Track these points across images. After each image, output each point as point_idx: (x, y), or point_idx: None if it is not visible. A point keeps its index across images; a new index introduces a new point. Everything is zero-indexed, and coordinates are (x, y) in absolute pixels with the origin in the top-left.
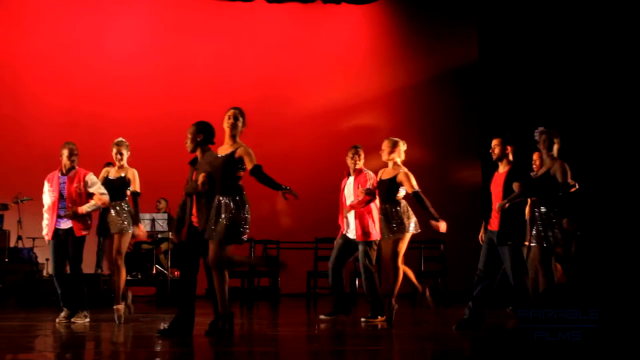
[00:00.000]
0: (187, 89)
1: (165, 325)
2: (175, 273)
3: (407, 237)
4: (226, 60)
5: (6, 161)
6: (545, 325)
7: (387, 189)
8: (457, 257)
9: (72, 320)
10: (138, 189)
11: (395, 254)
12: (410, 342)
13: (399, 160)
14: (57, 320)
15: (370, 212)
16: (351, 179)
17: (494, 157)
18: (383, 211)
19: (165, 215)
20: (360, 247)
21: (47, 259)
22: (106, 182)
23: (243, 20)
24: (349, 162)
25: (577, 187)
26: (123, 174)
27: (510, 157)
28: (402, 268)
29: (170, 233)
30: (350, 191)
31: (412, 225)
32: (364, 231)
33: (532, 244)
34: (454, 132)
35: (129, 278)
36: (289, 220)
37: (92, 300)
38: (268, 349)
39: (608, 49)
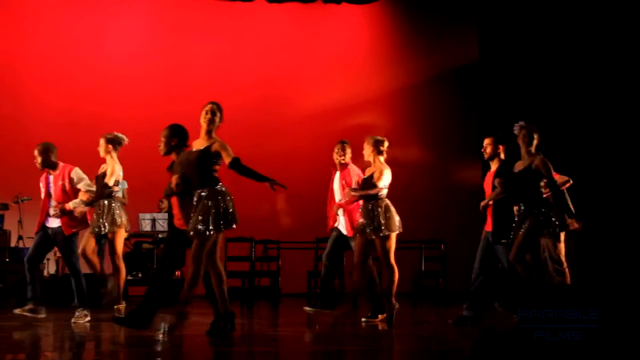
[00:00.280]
0: (187, 88)
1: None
2: (177, 273)
3: (393, 235)
4: (226, 60)
5: (6, 161)
6: (545, 325)
7: (368, 187)
8: (458, 257)
9: (73, 320)
10: (110, 182)
11: (385, 253)
12: (410, 342)
13: (382, 159)
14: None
15: (359, 208)
16: (338, 173)
17: (486, 156)
18: (364, 210)
19: (166, 215)
20: (352, 243)
21: (47, 259)
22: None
23: (243, 20)
24: (335, 156)
25: (571, 182)
26: (104, 170)
27: (502, 156)
28: (396, 267)
29: None
30: (337, 186)
31: (396, 224)
32: (354, 227)
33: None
34: (454, 132)
35: (129, 278)
36: (289, 220)
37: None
38: (268, 349)
39: (608, 48)
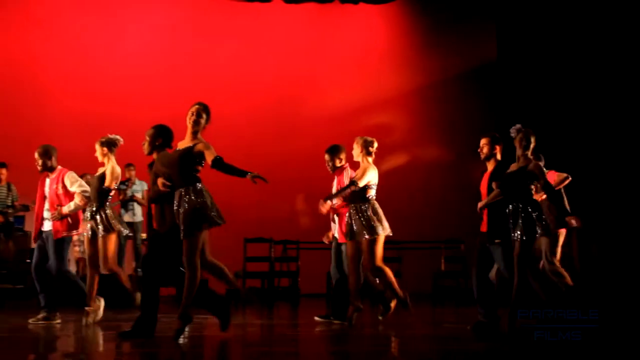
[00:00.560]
0: (204, 90)
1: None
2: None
3: (381, 238)
4: (243, 61)
5: (25, 162)
6: (545, 325)
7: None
8: None
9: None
10: (112, 185)
11: (372, 256)
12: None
13: (370, 159)
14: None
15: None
16: (336, 178)
17: (482, 156)
18: (352, 211)
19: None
20: (343, 248)
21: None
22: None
23: (260, 21)
24: (327, 165)
25: (569, 179)
26: (101, 172)
27: (498, 157)
28: (385, 267)
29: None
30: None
31: (385, 226)
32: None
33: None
34: (472, 132)
35: None
36: (308, 220)
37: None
38: (288, 349)
39: (629, 49)
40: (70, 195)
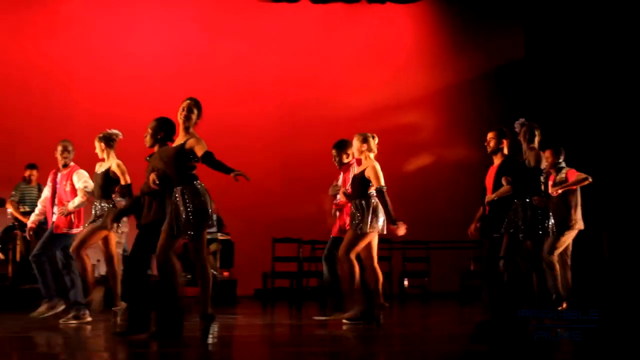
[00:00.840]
0: (228, 91)
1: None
2: (225, 273)
3: (374, 235)
4: (270, 61)
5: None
6: (545, 325)
7: (357, 184)
8: None
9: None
10: (127, 180)
11: (350, 245)
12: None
13: (372, 155)
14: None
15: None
16: (341, 175)
17: (489, 149)
18: (353, 207)
19: (214, 217)
20: (331, 240)
21: (98, 260)
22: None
23: (288, 21)
24: (334, 160)
25: (589, 180)
26: (104, 169)
27: (505, 151)
28: (356, 264)
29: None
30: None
31: (379, 223)
32: (341, 228)
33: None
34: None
35: None
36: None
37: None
38: (317, 350)
39: None
40: (76, 192)
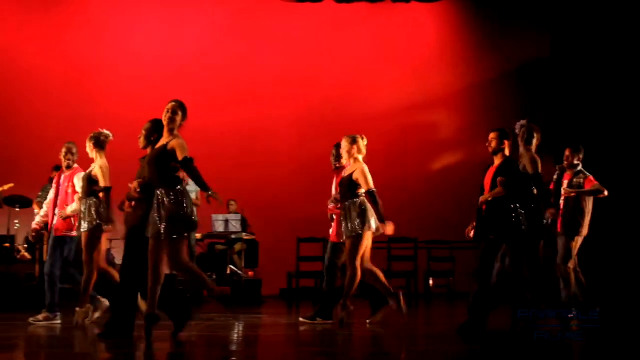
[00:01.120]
0: (250, 91)
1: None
2: (250, 273)
3: (367, 236)
4: (295, 61)
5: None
6: (545, 325)
7: (346, 187)
8: None
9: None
10: (107, 183)
11: (351, 253)
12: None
13: (360, 157)
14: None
15: None
16: (335, 179)
17: (490, 150)
18: (342, 210)
19: (239, 216)
20: (330, 246)
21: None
22: None
23: (311, 21)
24: (332, 160)
25: (605, 194)
26: (89, 170)
27: (507, 152)
28: (360, 269)
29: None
30: (335, 192)
31: (371, 224)
32: (338, 233)
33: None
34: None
35: None
36: None
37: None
38: (341, 349)
39: None
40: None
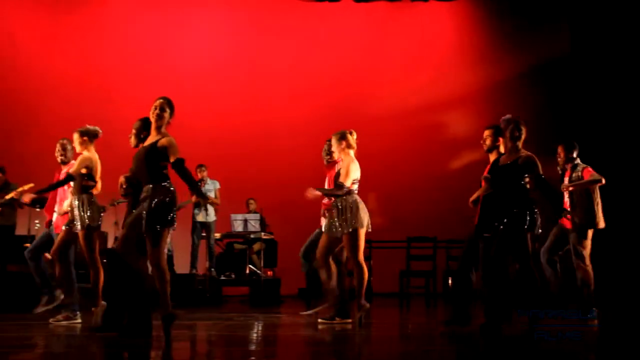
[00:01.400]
0: (273, 91)
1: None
2: (269, 273)
3: (361, 232)
4: (312, 60)
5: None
6: (545, 325)
7: (336, 181)
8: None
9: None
10: (75, 172)
11: (352, 250)
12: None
13: (352, 152)
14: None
15: None
16: (327, 176)
17: (485, 147)
18: (334, 205)
19: (258, 216)
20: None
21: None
22: None
23: (330, 20)
24: (323, 154)
25: (602, 182)
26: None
27: (502, 149)
28: (364, 263)
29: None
30: (327, 186)
31: (363, 221)
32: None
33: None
34: (544, 130)
35: (222, 278)
36: (380, 219)
37: (186, 300)
38: (359, 349)
39: None
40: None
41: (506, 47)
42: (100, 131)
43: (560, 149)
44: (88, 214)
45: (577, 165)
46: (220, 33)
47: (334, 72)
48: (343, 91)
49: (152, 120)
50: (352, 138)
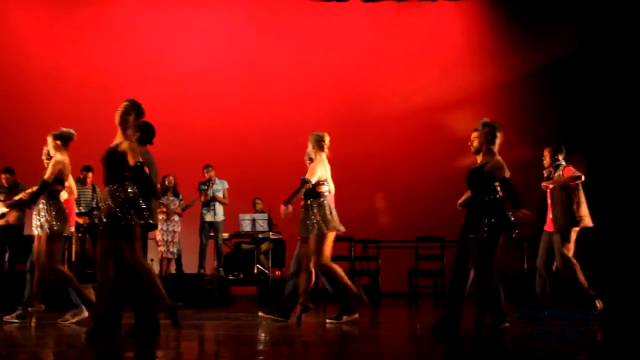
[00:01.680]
0: (280, 91)
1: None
2: (277, 273)
3: (329, 236)
4: (320, 60)
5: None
6: (545, 325)
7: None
8: None
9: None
10: (49, 179)
11: (318, 254)
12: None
13: (323, 155)
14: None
15: None
16: None
17: (472, 149)
18: (303, 208)
19: (266, 216)
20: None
21: (152, 260)
22: None
23: (334, 20)
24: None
25: (582, 179)
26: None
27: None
28: (333, 265)
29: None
30: None
31: (331, 224)
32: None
33: None
34: (553, 128)
35: (230, 278)
36: (389, 219)
37: (195, 299)
38: (367, 348)
39: None
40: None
41: (513, 47)
42: (75, 134)
43: (546, 152)
44: (54, 219)
45: (559, 165)
46: (229, 34)
47: (342, 73)
48: (350, 92)
49: (116, 122)
50: (325, 142)
